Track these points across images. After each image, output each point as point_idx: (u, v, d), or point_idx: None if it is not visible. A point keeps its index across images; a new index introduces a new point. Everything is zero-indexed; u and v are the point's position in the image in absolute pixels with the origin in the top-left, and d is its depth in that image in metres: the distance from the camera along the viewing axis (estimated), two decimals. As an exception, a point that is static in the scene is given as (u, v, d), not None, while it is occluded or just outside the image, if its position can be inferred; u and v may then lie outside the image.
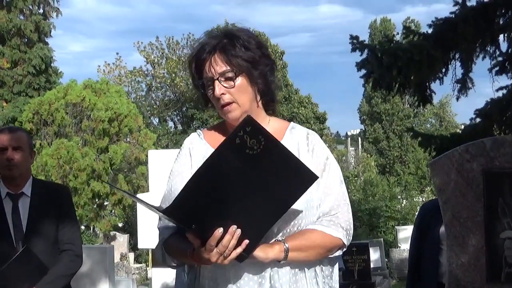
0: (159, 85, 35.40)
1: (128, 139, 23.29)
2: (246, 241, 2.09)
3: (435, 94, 10.59)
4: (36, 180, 4.13)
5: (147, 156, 8.79)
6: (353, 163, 40.91)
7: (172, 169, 2.49)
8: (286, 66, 34.82)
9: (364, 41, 9.27)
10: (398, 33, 13.66)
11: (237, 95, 2.35)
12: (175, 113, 37.20)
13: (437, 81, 10.35)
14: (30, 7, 27.71)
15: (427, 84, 10.37)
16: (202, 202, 2.01)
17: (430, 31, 9.62)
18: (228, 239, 2.06)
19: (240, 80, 2.35)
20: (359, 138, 48.69)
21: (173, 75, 34.00)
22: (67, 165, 20.48)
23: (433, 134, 12.51)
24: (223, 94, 2.34)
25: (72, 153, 20.54)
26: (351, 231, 2.40)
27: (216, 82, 2.34)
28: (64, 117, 21.87)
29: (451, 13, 9.56)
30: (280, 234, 2.27)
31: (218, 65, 2.34)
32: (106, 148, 22.14)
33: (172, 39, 35.17)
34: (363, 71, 9.73)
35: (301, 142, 2.44)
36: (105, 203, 22.88)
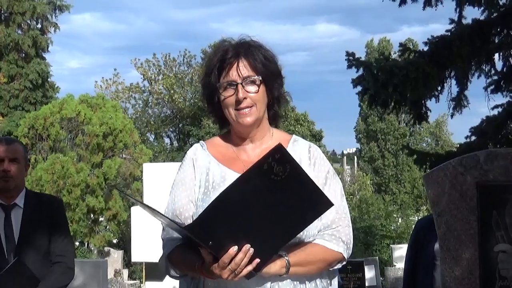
0: (156, 101, 35.42)
1: (123, 155, 23.24)
2: (257, 260, 2.13)
3: (430, 112, 10.60)
4: (29, 191, 4.11)
5: (142, 172, 8.78)
6: (348, 182, 40.89)
7: (175, 179, 2.50)
8: (282, 84, 34.84)
9: (360, 58, 9.29)
10: (395, 52, 13.71)
11: (257, 101, 2.39)
12: (171, 129, 37.20)
13: (433, 99, 10.36)
14: (28, 22, 27.80)
15: (423, 101, 10.38)
16: (222, 221, 2.07)
17: (426, 49, 9.65)
18: (241, 258, 2.09)
19: (261, 87, 2.39)
20: (355, 157, 48.70)
21: (171, 91, 34.06)
22: (61, 180, 20.41)
23: (429, 152, 12.52)
24: (245, 98, 2.36)
25: (67, 168, 20.47)
26: (351, 245, 2.43)
27: (240, 86, 2.36)
28: (59, 131, 21.83)
29: (446, 31, 9.60)
30: (283, 247, 2.27)
31: (245, 70, 2.37)
32: (101, 163, 22.09)
33: (169, 56, 35.35)
34: (359, 88, 9.75)
35: (303, 155, 2.46)
36: (100, 218, 22.79)
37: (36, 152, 22.04)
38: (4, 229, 3.89)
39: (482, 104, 11.08)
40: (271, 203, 2.10)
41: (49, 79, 28.26)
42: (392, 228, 24.08)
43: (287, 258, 2.25)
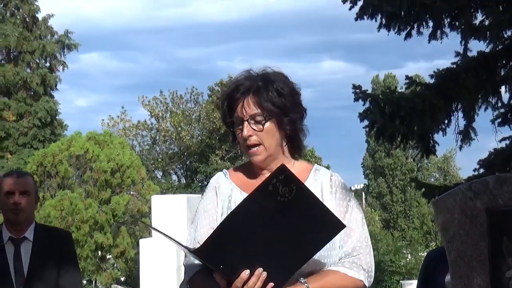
0: (163, 138, 35.50)
1: (130, 191, 23.25)
2: (271, 284, 2.13)
3: (438, 145, 10.57)
4: (38, 225, 4.11)
5: (150, 208, 8.76)
6: (357, 217, 40.57)
7: (198, 207, 2.52)
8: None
9: (367, 90, 9.33)
10: (401, 87, 13.77)
11: (264, 138, 2.40)
12: (179, 166, 37.21)
13: (440, 133, 10.36)
14: (37, 60, 28.10)
15: (430, 135, 10.37)
16: (231, 244, 2.08)
17: (432, 81, 9.69)
18: (254, 282, 2.10)
19: (268, 124, 2.39)
20: (363, 193, 48.50)
21: (179, 128, 34.15)
22: (70, 216, 20.43)
23: (437, 185, 12.47)
24: (250, 135, 2.38)
25: (75, 205, 20.51)
26: (373, 273, 2.42)
27: (245, 123, 2.38)
28: (68, 169, 21.91)
29: (452, 63, 9.65)
30: (302, 274, 2.27)
31: (250, 108, 2.39)
32: (109, 200, 22.10)
33: (176, 93, 35.48)
34: (366, 122, 9.76)
35: (325, 184, 2.47)
36: (108, 256, 22.70)
37: (45, 189, 22.10)
38: (14, 262, 3.89)
39: (490, 139, 11.08)
40: (281, 225, 2.09)
41: (57, 117, 28.46)
42: (402, 264, 23.86)
43: (307, 285, 2.24)
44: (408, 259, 25.14)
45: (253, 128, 2.38)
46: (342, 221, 2.25)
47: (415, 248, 27.91)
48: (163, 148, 36.28)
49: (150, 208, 8.47)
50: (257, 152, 2.41)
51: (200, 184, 33.50)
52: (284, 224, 2.09)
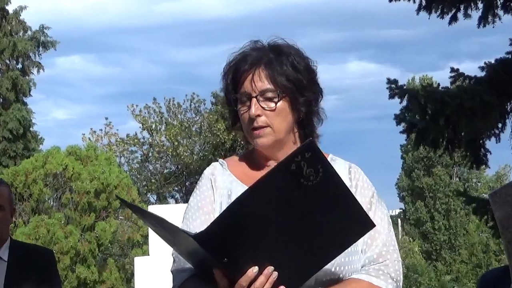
0: (157, 155, 35.47)
1: (119, 216, 23.24)
2: None
3: (490, 154, 10.54)
4: (14, 242, 4.15)
5: (142, 236, 8.78)
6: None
7: (189, 204, 2.50)
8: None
9: (404, 85, 9.32)
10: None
11: (275, 120, 2.38)
12: (176, 188, 37.19)
13: (493, 139, 10.32)
14: (7, 61, 28.26)
15: (481, 141, 10.35)
16: (240, 234, 2.02)
17: (483, 74, 9.67)
18: (262, 282, 2.07)
19: (281, 103, 2.38)
20: (399, 220, 48.34)
21: (175, 143, 34.12)
22: (47, 246, 20.44)
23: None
24: (258, 115, 2.37)
25: (53, 233, 20.52)
26: (401, 283, 2.41)
27: (254, 100, 2.37)
28: (43, 190, 21.95)
29: (507, 53, 9.64)
30: (319, 283, 2.26)
31: (261, 82, 2.37)
32: (93, 226, 22.09)
33: (173, 101, 35.35)
34: (403, 125, 9.74)
35: (343, 176, 2.41)
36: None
37: (16, 215, 22.15)
38: (-14, 285, 3.91)
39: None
40: (299, 216, 2.04)
41: (31, 129, 28.56)
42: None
43: None
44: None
45: (262, 107, 2.37)
46: None
47: (463, 284, 27.77)
48: (157, 167, 36.23)
49: (142, 236, 8.50)
50: (263, 133, 2.38)
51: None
52: (304, 214, 2.04)
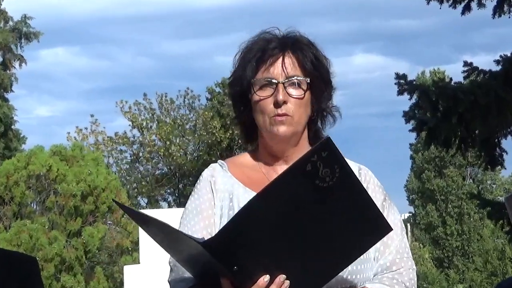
0: (148, 155, 35.46)
1: (107, 220, 23.25)
2: None
3: (507, 154, 10.56)
4: (-7, 249, 4.12)
5: (132, 242, 8.80)
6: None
7: (187, 207, 2.49)
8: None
9: (414, 81, 9.33)
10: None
11: (297, 110, 2.39)
12: (168, 191, 37.21)
13: (509, 137, 10.35)
14: (-13, 54, 28.32)
15: (496, 140, 10.36)
16: (249, 239, 2.03)
17: (498, 68, 9.68)
18: None
19: (307, 94, 2.39)
20: (408, 224, 48.44)
21: (168, 142, 34.10)
22: (29, 253, 20.45)
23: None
24: (285, 102, 2.36)
25: (37, 239, 20.53)
26: None
27: (281, 86, 2.36)
28: (26, 192, 21.95)
29: (524, 45, 9.65)
30: None
31: (291, 67, 2.38)
32: (79, 232, 22.10)
33: (165, 96, 35.35)
34: (413, 123, 9.75)
35: None
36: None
37: (-4, 219, 22.20)
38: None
39: None
40: (315, 220, 2.04)
41: (13, 127, 28.57)
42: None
43: None
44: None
45: (289, 93, 2.36)
46: None
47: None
48: (148, 168, 36.26)
49: (132, 242, 8.52)
50: (286, 121, 2.37)
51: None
52: (318, 217, 2.04)
